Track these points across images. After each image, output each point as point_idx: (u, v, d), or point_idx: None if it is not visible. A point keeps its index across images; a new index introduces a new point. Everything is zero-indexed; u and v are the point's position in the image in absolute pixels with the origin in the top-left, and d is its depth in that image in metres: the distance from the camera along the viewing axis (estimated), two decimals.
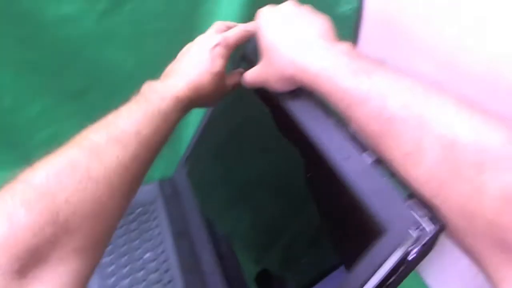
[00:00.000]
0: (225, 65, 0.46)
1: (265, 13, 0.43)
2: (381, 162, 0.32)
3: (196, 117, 0.66)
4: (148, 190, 0.70)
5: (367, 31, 0.58)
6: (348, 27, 0.59)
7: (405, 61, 0.50)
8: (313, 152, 0.37)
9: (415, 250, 0.28)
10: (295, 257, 0.44)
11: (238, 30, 0.48)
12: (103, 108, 0.62)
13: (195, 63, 0.44)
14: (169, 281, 0.55)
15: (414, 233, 0.28)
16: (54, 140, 0.63)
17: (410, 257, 0.28)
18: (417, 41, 0.49)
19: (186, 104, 0.41)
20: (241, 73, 0.48)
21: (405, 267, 0.28)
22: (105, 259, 0.58)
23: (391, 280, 0.29)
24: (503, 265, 0.25)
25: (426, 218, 0.27)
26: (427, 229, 0.27)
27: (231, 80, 0.48)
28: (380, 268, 0.29)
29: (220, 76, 0.45)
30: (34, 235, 0.26)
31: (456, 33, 0.43)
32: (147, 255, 0.58)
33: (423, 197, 0.28)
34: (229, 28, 0.48)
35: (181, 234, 0.61)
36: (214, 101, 0.47)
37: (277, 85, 0.41)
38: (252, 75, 0.44)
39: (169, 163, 0.72)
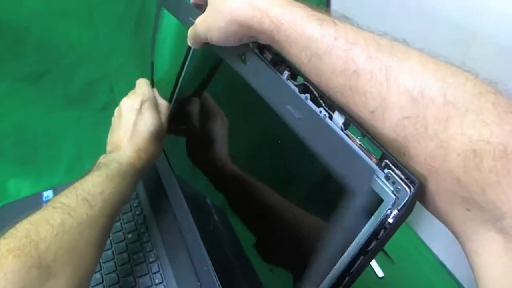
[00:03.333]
0: (156, 113, 0.52)
1: None
2: (350, 123, 0.30)
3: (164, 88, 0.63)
4: None
5: None
6: None
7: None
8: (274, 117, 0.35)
9: (393, 213, 0.26)
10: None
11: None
12: (62, 91, 0.60)
13: (132, 129, 0.50)
14: (154, 260, 0.54)
15: (391, 196, 0.26)
16: (19, 129, 0.61)
17: (389, 220, 0.27)
18: None
19: (142, 166, 0.49)
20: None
21: (385, 232, 0.27)
22: None
23: (372, 245, 0.28)
24: (470, 223, 0.24)
25: (402, 179, 0.26)
26: (404, 190, 0.26)
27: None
28: (360, 234, 0.28)
29: (159, 126, 0.52)
30: (22, 278, 0.31)
31: None
32: (129, 236, 0.57)
33: (395, 156, 0.26)
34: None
35: (162, 211, 0.60)
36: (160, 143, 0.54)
37: (221, 35, 0.34)
38: (196, 26, 0.37)
39: None
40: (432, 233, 0.58)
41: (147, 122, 0.51)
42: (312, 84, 0.33)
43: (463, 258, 0.53)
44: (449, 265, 0.56)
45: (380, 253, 0.56)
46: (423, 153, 0.25)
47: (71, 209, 0.38)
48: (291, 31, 0.30)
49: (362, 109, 0.27)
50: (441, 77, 0.24)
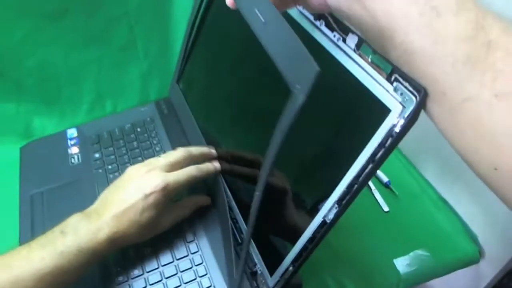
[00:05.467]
0: (161, 212, 0.45)
1: None
2: (363, 42, 0.32)
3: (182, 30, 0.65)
4: (145, 111, 0.70)
5: None
6: None
7: None
8: None
9: (400, 122, 0.29)
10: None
11: (184, 174, 0.46)
12: (84, 29, 0.62)
13: (127, 209, 0.43)
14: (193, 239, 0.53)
15: (399, 106, 0.29)
16: (42, 67, 0.64)
17: (396, 129, 0.29)
18: None
19: (109, 248, 0.43)
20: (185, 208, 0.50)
21: (392, 140, 0.29)
22: (112, 175, 0.60)
23: (379, 154, 0.30)
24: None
25: (408, 89, 0.28)
26: (410, 99, 0.28)
27: (172, 216, 0.48)
28: (369, 142, 0.31)
29: (151, 227, 0.45)
30: None
31: None
32: None
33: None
34: (176, 161, 0.47)
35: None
36: (146, 237, 0.47)
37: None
38: None
39: (163, 84, 0.73)
40: (435, 172, 0.60)
41: (146, 216, 0.43)
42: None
43: (464, 195, 0.55)
44: (451, 201, 0.58)
45: (386, 189, 0.59)
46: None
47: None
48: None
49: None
50: None
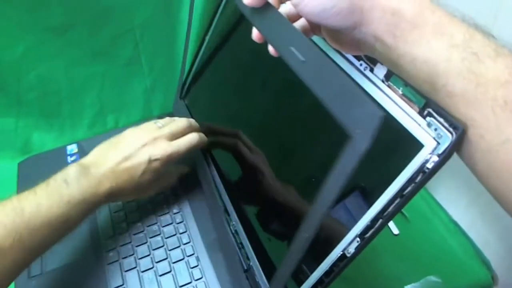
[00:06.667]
0: (156, 178, 0.49)
1: None
2: (392, 74, 0.31)
3: (191, 46, 0.64)
4: None
5: None
6: None
7: None
8: None
9: (433, 159, 0.28)
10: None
11: (185, 144, 0.50)
12: (88, 44, 0.60)
13: (130, 167, 0.47)
14: (179, 210, 0.56)
15: (432, 142, 0.28)
16: (43, 82, 0.62)
17: (428, 166, 0.28)
18: None
19: (106, 201, 0.46)
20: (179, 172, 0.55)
21: (422, 176, 0.28)
22: None
23: (408, 189, 0.29)
24: None
25: (444, 126, 0.27)
26: (446, 136, 0.27)
27: (161, 182, 0.52)
28: (398, 177, 0.29)
29: (144, 189, 0.50)
30: None
31: None
32: None
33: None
34: (178, 131, 0.51)
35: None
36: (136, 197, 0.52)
37: (337, 19, 0.27)
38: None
39: (166, 99, 0.71)
40: (447, 195, 0.60)
41: (146, 178, 0.48)
42: None
43: (477, 219, 0.55)
44: (464, 225, 0.57)
45: None
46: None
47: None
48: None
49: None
50: None
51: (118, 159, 0.47)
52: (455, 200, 0.58)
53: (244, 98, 0.54)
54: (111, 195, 0.46)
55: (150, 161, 0.47)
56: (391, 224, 0.57)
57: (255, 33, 0.31)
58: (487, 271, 0.53)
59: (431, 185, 0.62)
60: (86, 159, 0.48)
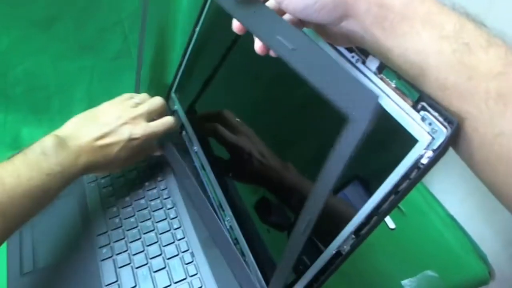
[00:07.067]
0: (132, 155, 0.50)
1: None
2: (385, 67, 0.30)
3: (181, 41, 0.62)
4: None
5: None
6: None
7: None
8: None
9: (427, 154, 0.27)
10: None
11: (163, 125, 0.52)
12: (75, 38, 0.59)
13: (109, 144, 0.47)
14: (173, 205, 0.55)
15: (427, 137, 0.26)
16: (30, 76, 0.60)
17: (423, 161, 0.27)
18: None
19: (82, 173, 0.47)
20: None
21: (417, 172, 0.27)
22: (105, 189, 0.57)
23: (403, 186, 0.28)
24: None
25: (438, 120, 0.26)
26: (440, 130, 0.26)
27: (134, 159, 0.53)
28: (392, 173, 0.28)
29: (118, 165, 0.50)
30: None
31: None
32: (146, 183, 0.58)
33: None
34: (154, 110, 0.52)
35: (177, 161, 0.60)
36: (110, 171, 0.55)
37: (321, 14, 0.26)
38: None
39: (157, 93, 0.69)
40: (443, 189, 0.59)
41: (122, 155, 0.49)
42: None
43: (474, 213, 0.54)
44: (459, 219, 0.57)
45: None
46: None
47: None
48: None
49: None
50: None
51: (97, 134, 0.47)
52: (451, 194, 0.57)
53: (236, 89, 0.53)
54: (87, 169, 0.47)
55: (129, 139, 0.49)
56: (387, 219, 0.56)
57: (235, 25, 0.30)
58: (484, 266, 0.53)
59: (427, 179, 0.61)
60: (62, 131, 0.48)
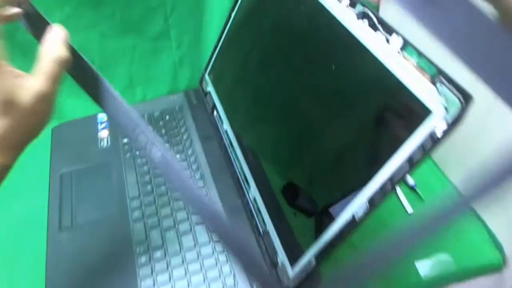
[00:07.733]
0: None
1: None
2: (408, 44, 0.32)
3: (218, 23, 0.65)
4: (174, 100, 0.71)
5: None
6: None
7: None
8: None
9: (442, 126, 0.29)
10: (320, 174, 0.45)
11: None
12: (120, 17, 0.63)
13: None
14: (201, 177, 0.59)
15: (442, 109, 0.29)
16: (79, 51, 0.64)
17: (437, 132, 0.29)
18: None
19: None
20: None
21: (431, 143, 0.29)
22: (139, 160, 0.61)
23: (416, 156, 0.30)
24: None
25: (454, 93, 0.28)
26: (455, 103, 0.28)
27: None
28: (407, 142, 0.31)
29: None
30: None
31: None
32: (177, 156, 0.61)
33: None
34: None
35: (208, 138, 0.64)
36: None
37: None
38: None
39: (193, 74, 0.73)
40: (461, 175, 0.60)
41: None
42: (371, 11, 0.35)
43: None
44: (477, 208, 0.57)
45: (410, 191, 0.59)
46: None
47: None
48: None
49: None
50: None
51: None
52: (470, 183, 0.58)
53: (269, 74, 0.55)
54: None
55: None
56: (405, 203, 0.58)
57: None
58: (499, 254, 0.54)
59: (446, 166, 0.62)
60: None
